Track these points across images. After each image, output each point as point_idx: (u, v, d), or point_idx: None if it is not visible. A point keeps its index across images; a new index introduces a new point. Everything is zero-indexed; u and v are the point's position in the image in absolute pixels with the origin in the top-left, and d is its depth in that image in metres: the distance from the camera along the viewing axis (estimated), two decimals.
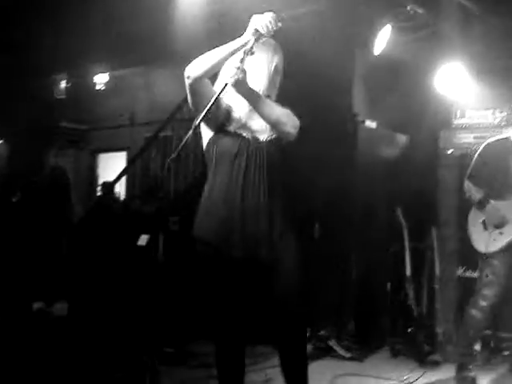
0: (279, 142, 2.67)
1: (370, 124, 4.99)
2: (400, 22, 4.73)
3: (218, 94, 2.44)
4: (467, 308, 3.90)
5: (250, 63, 2.54)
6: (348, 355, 4.47)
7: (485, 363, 4.39)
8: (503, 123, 5.08)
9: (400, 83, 5.21)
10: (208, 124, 2.64)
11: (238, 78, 2.42)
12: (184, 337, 4.53)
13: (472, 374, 3.86)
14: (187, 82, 2.57)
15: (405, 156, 5.38)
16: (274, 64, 2.70)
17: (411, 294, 4.80)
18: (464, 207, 5.00)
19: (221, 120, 2.65)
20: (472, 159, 4.13)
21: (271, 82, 2.70)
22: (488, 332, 4.43)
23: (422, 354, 4.49)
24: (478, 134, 5.19)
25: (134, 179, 7.66)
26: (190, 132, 2.41)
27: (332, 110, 4.96)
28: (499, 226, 3.84)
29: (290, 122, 2.64)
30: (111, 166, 8.82)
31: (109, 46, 6.72)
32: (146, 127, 7.97)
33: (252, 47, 2.43)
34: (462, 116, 5.31)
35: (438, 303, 4.74)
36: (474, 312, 3.82)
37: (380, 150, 5.19)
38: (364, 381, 4.03)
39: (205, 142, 2.70)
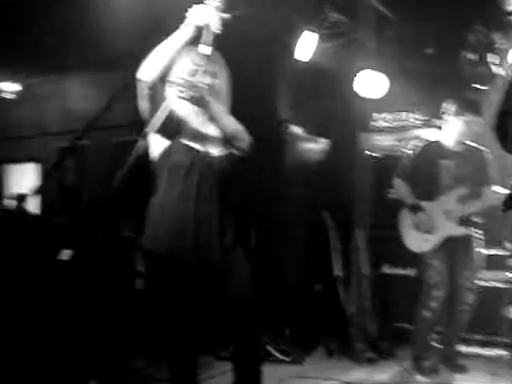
0: (230, 157, 2.68)
1: (296, 130, 5.08)
2: (322, 29, 4.84)
3: (169, 106, 2.41)
4: (418, 309, 4.08)
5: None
6: (286, 359, 4.51)
7: None
8: (419, 125, 5.33)
9: (321, 88, 5.34)
10: (160, 134, 2.59)
11: (196, 94, 2.40)
12: (122, 354, 4.41)
13: (429, 363, 4.06)
14: (143, 86, 2.49)
15: (328, 160, 5.51)
16: (222, 76, 2.71)
17: (342, 293, 4.92)
18: (387, 207, 5.23)
19: (173, 130, 2.60)
20: (401, 159, 4.31)
21: (221, 95, 2.69)
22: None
23: (356, 352, 4.61)
24: (396, 136, 5.42)
25: (47, 191, 7.37)
26: (141, 143, 2.36)
27: (258, 115, 4.98)
28: (429, 231, 4.06)
29: (245, 138, 2.66)
30: (20, 178, 8.48)
31: (20, 55, 6.43)
32: (58, 137, 7.70)
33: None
34: (380, 119, 5.52)
35: (367, 301, 4.88)
36: (425, 313, 4.02)
37: (306, 155, 5.29)
38: (306, 383, 4.09)
39: (156, 152, 2.64)
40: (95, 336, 4.40)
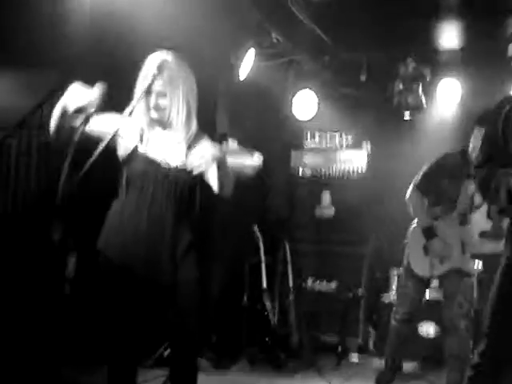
0: (189, 171, 2.70)
1: (232, 143, 5.19)
2: (263, 49, 5.00)
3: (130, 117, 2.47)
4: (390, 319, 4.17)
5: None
6: (212, 366, 4.62)
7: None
8: (349, 145, 5.61)
9: (258, 105, 5.53)
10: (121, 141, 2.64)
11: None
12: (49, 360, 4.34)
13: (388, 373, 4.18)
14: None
15: (261, 174, 5.67)
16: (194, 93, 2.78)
17: (268, 304, 5.07)
18: (316, 222, 5.46)
19: (134, 140, 2.66)
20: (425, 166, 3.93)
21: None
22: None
23: (278, 361, 4.78)
24: (326, 155, 5.69)
25: None
26: (100, 149, 2.40)
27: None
28: (442, 259, 3.87)
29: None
30: None
31: None
32: None
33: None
34: (312, 138, 5.77)
35: (291, 313, 5.06)
36: (393, 322, 4.11)
37: (240, 169, 5.42)
38: None
39: (119, 156, 2.68)
40: (19, 340, 4.31)
